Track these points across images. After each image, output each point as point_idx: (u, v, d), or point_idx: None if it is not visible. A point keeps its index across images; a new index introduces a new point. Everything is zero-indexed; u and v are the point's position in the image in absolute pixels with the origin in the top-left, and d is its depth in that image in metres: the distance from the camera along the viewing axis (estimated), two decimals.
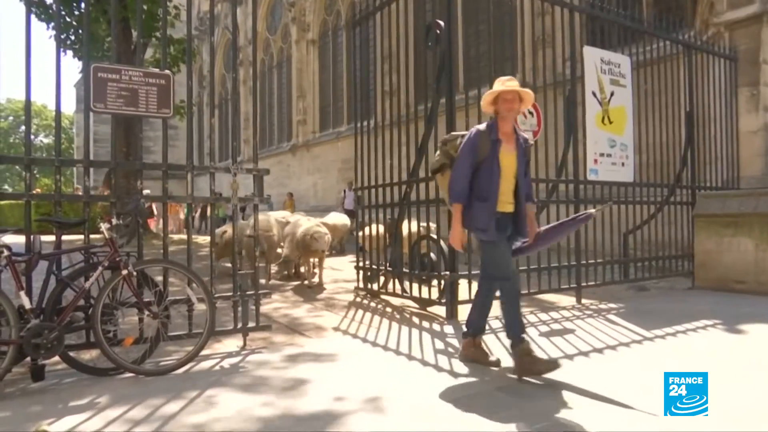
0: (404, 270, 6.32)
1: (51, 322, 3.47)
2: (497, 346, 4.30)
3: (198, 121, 30.32)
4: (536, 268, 6.26)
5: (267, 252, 7.25)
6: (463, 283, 5.70)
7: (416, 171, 6.12)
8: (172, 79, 4.28)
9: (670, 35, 7.57)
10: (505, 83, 3.77)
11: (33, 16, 3.90)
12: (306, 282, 7.85)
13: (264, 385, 3.50)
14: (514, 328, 3.73)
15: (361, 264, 7.05)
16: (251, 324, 4.56)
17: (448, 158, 3.94)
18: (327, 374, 3.78)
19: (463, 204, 3.78)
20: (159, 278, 4.12)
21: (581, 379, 3.62)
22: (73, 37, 13.95)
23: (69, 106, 35.38)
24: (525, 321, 5.43)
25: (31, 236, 3.73)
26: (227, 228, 7.78)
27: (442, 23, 5.71)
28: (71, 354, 3.72)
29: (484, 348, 4.04)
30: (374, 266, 6.79)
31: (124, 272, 3.67)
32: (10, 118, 54.23)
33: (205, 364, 3.98)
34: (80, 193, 4.12)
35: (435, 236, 5.99)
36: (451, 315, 5.49)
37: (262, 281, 7.14)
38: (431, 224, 6.04)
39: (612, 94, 6.69)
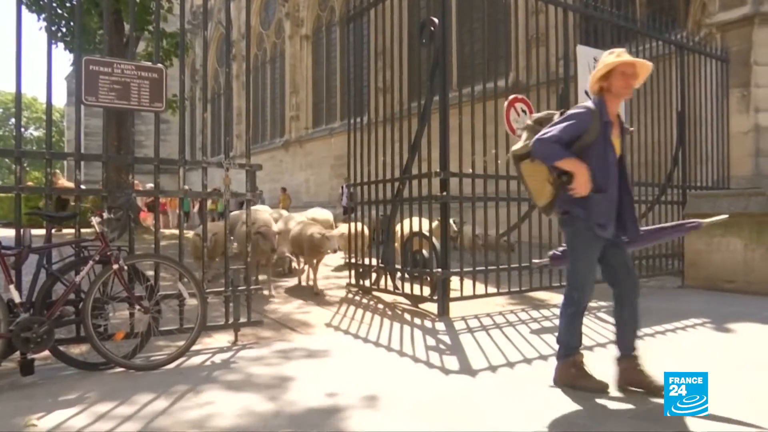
0: (397, 267, 6.33)
1: (41, 316, 3.45)
2: (498, 350, 4.30)
3: (190, 116, 30.18)
4: (527, 265, 6.28)
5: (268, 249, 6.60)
6: (454, 280, 5.72)
7: (409, 168, 6.12)
8: (164, 72, 4.26)
9: (662, 35, 7.61)
10: (621, 55, 3.29)
11: (23, 7, 3.85)
12: (304, 283, 7.59)
13: (255, 381, 3.50)
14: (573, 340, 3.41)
15: (353, 260, 7.05)
16: (243, 319, 4.56)
17: None
18: (318, 370, 3.78)
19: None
20: (150, 273, 4.10)
21: None
22: (64, 29, 13.81)
23: (60, 99, 35.11)
24: (515, 318, 5.47)
25: (21, 229, 3.69)
26: (217, 229, 7.12)
27: (436, 20, 5.71)
28: (61, 348, 3.70)
29: (587, 369, 3.41)
30: (366, 263, 6.80)
31: (115, 266, 3.65)
32: (0, 110, 53.69)
33: (196, 360, 3.97)
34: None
35: (426, 233, 6.01)
36: (443, 312, 5.51)
37: (263, 277, 7.04)
38: (453, 221, 6.05)
39: None
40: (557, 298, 6.50)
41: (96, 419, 2.85)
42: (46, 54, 3.93)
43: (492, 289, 5.96)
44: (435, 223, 6.23)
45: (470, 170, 5.82)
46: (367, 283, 6.76)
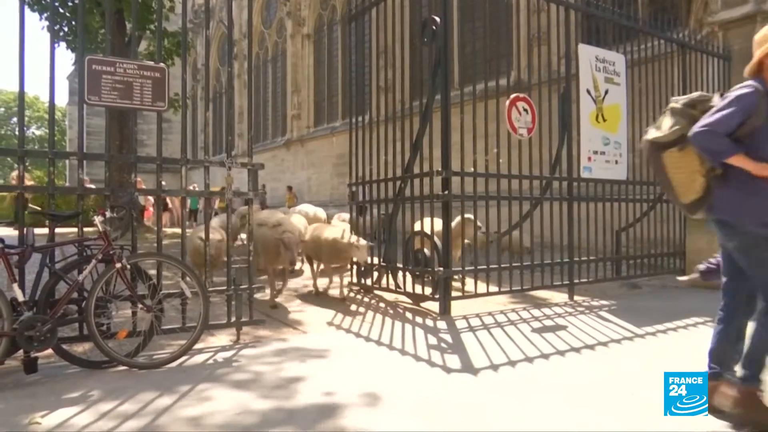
0: (398, 265, 6.33)
1: (44, 314, 3.47)
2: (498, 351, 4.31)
3: (192, 115, 30.19)
4: (529, 264, 6.29)
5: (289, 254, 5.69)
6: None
7: (411, 167, 6.12)
8: (167, 72, 4.27)
9: (664, 34, 7.60)
10: None
11: (26, 7, 3.86)
12: (322, 290, 6.84)
13: (257, 379, 3.51)
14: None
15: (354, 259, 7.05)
16: (245, 318, 4.57)
17: (693, 125, 2.84)
18: (320, 369, 3.79)
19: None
20: (153, 272, 4.12)
21: (572, 375, 3.65)
22: (66, 29, 13.84)
23: (61, 99, 35.21)
24: (517, 317, 5.48)
25: (24, 228, 3.71)
26: (221, 236, 6.15)
27: (438, 19, 5.71)
28: (64, 347, 3.72)
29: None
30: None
31: (118, 265, 3.66)
32: (1, 109, 53.74)
33: (199, 358, 3.98)
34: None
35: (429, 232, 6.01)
36: (444, 311, 5.51)
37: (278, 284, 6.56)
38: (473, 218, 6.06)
39: (606, 92, 6.72)
40: (558, 297, 6.52)
41: (99, 417, 2.86)
42: (49, 53, 3.95)
43: (493, 288, 5.97)
44: (455, 222, 6.22)
45: (472, 169, 5.83)
46: (368, 281, 6.76)
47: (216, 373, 3.65)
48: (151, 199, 15.52)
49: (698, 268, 3.48)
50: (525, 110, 6.04)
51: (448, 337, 4.69)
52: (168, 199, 15.97)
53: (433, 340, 4.56)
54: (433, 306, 5.72)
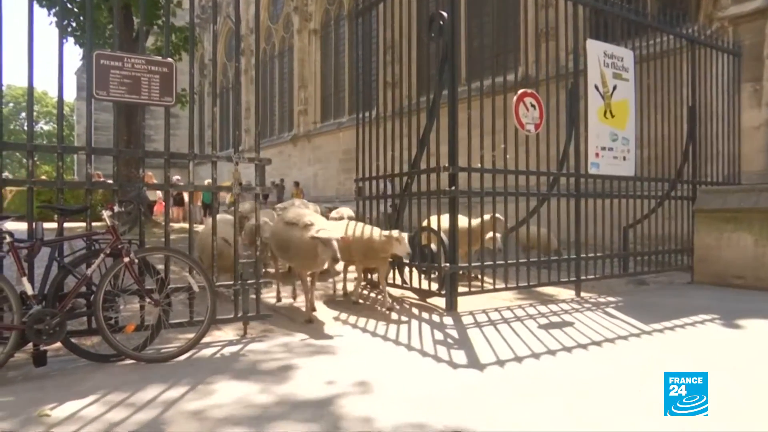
0: (404, 261, 6.34)
1: (53, 308, 3.49)
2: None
3: (199, 110, 30.23)
4: (536, 260, 6.28)
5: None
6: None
7: (418, 163, 6.12)
8: (174, 67, 4.28)
9: (673, 29, 7.54)
10: None
11: (35, 3, 3.87)
12: (360, 299, 6.15)
13: (264, 373, 3.53)
14: None
15: None
16: (252, 313, 4.59)
17: None
18: (326, 363, 3.80)
19: None
20: (160, 266, 4.14)
21: (578, 371, 3.65)
22: (74, 24, 13.90)
23: (69, 94, 35.36)
24: (523, 313, 5.48)
25: (34, 223, 3.73)
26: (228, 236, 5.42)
27: (445, 14, 5.69)
28: (73, 340, 3.74)
29: None
30: None
31: (126, 260, 3.68)
32: (10, 104, 54.05)
33: (206, 352, 4.01)
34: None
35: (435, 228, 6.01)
36: (451, 306, 5.52)
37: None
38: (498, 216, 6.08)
39: (614, 87, 6.68)
40: (565, 294, 6.51)
41: (108, 409, 2.89)
42: (58, 49, 3.96)
43: (500, 284, 5.96)
44: (487, 217, 6.22)
45: (479, 165, 5.82)
46: (374, 277, 6.77)
47: (223, 366, 3.67)
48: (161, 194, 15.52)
49: None
50: (533, 106, 6.01)
51: (454, 333, 4.69)
52: (184, 194, 15.99)
53: (439, 336, 4.56)
54: (440, 302, 5.72)
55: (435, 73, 5.92)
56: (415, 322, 5.03)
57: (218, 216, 5.47)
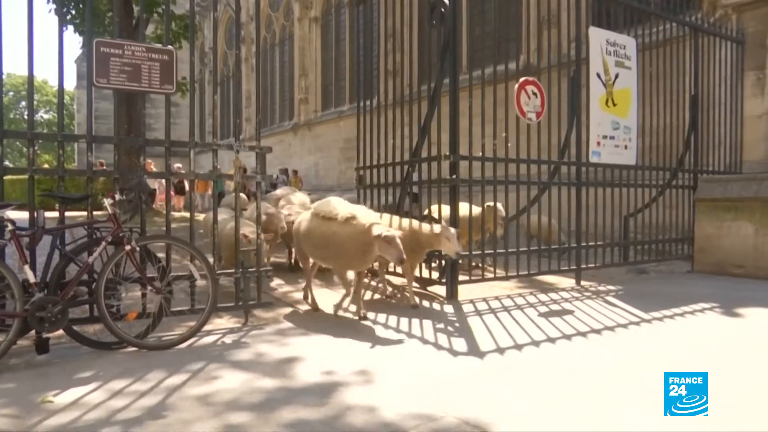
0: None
1: (55, 296, 3.51)
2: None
3: (200, 99, 30.14)
4: (536, 249, 6.29)
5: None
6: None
7: (419, 151, 6.11)
8: (175, 54, 4.26)
9: (676, 17, 7.50)
10: None
11: None
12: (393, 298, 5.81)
13: (264, 360, 3.55)
14: None
15: None
16: (253, 301, 4.60)
17: None
18: (327, 350, 3.83)
19: None
20: (162, 254, 4.15)
21: (578, 359, 3.67)
22: (74, 12, 13.82)
23: (69, 82, 35.21)
24: (523, 301, 5.49)
25: (35, 211, 3.74)
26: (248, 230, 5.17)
27: (446, 2, 5.65)
28: (75, 328, 3.77)
29: None
30: None
31: (128, 248, 3.69)
32: (10, 93, 53.86)
33: (208, 339, 4.03)
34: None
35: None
36: (451, 295, 5.53)
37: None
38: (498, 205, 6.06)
39: (617, 76, 6.65)
40: (565, 282, 6.53)
41: (110, 396, 2.91)
42: (58, 37, 3.94)
43: (500, 273, 5.98)
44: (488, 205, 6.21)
45: (480, 154, 5.81)
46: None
47: (224, 353, 3.69)
48: (164, 182, 15.44)
49: None
50: (534, 94, 5.99)
51: (454, 321, 4.71)
52: (186, 182, 15.94)
53: (439, 324, 4.58)
54: (440, 290, 5.74)
55: (436, 62, 5.89)
56: (415, 310, 5.04)
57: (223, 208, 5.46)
